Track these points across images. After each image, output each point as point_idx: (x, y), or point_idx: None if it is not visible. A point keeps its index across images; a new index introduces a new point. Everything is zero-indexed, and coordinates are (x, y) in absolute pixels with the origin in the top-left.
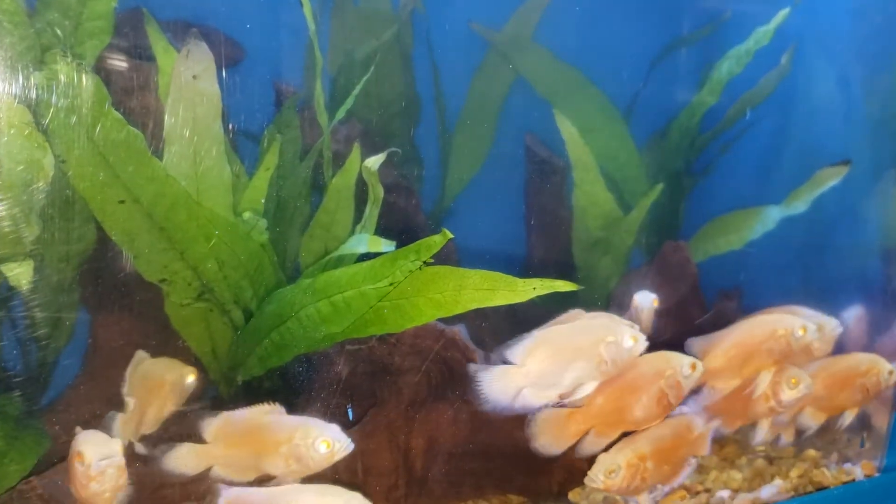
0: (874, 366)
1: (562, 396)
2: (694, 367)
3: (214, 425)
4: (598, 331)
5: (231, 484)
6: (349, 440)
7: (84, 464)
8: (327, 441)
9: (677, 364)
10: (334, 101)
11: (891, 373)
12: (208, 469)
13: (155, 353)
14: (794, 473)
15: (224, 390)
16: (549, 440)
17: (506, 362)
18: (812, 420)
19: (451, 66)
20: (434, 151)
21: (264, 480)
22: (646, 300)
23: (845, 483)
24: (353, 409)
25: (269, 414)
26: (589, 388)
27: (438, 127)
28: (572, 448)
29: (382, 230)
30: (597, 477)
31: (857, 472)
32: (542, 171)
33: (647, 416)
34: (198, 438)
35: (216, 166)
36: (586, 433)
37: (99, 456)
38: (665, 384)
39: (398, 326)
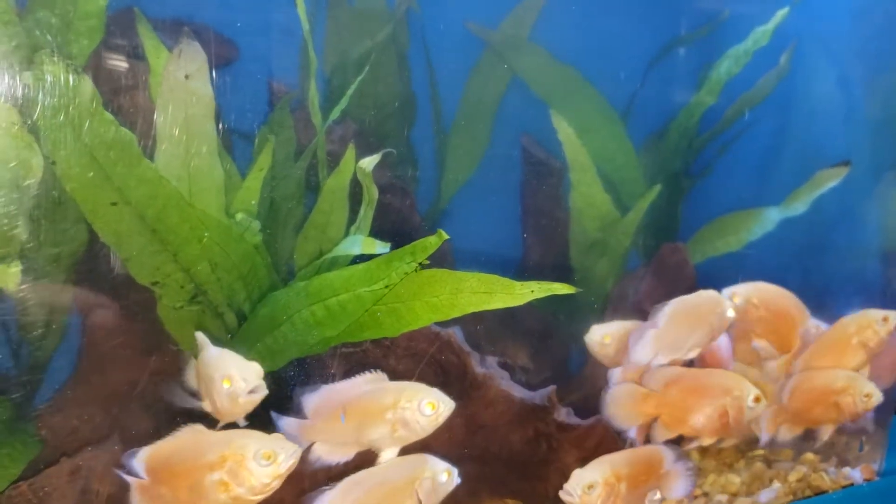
0: (851, 385)
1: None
2: (758, 399)
3: (314, 400)
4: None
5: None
6: (452, 401)
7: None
8: (432, 403)
9: (745, 390)
10: (329, 101)
11: (867, 396)
12: (310, 446)
13: (149, 355)
14: (792, 477)
15: None
16: (619, 413)
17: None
18: (788, 433)
19: (447, 66)
20: (430, 152)
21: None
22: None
23: (844, 487)
24: None
25: (371, 383)
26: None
27: (434, 127)
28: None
29: (377, 231)
30: (574, 491)
31: (856, 476)
32: (538, 173)
33: (706, 426)
34: (298, 415)
35: (208, 167)
36: (654, 419)
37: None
38: (730, 403)
39: (394, 330)
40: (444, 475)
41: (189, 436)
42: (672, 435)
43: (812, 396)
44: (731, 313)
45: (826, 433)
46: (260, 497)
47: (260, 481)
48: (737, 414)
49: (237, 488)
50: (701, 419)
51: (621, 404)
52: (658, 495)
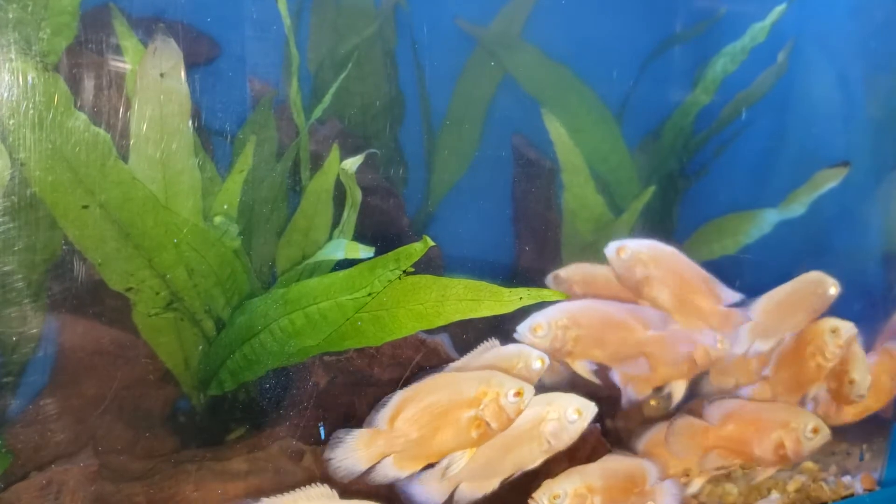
0: (794, 419)
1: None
2: (816, 430)
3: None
4: None
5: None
6: (593, 404)
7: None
8: (577, 408)
9: (802, 421)
10: (314, 99)
11: (815, 430)
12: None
13: (126, 363)
14: (791, 487)
15: (197, 403)
16: (679, 447)
17: None
18: (720, 460)
19: (436, 64)
20: (418, 152)
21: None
22: None
23: (844, 497)
24: (332, 422)
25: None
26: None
27: (423, 127)
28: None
29: (364, 234)
30: (541, 501)
31: (857, 485)
32: (530, 173)
33: (763, 459)
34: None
35: (185, 169)
36: (712, 450)
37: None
38: (787, 435)
39: (377, 339)
40: (538, 362)
41: (443, 379)
42: (727, 465)
43: (752, 428)
44: (833, 291)
45: (762, 475)
46: (500, 433)
47: (508, 417)
48: (794, 446)
49: (490, 423)
50: (757, 452)
51: (681, 438)
52: None
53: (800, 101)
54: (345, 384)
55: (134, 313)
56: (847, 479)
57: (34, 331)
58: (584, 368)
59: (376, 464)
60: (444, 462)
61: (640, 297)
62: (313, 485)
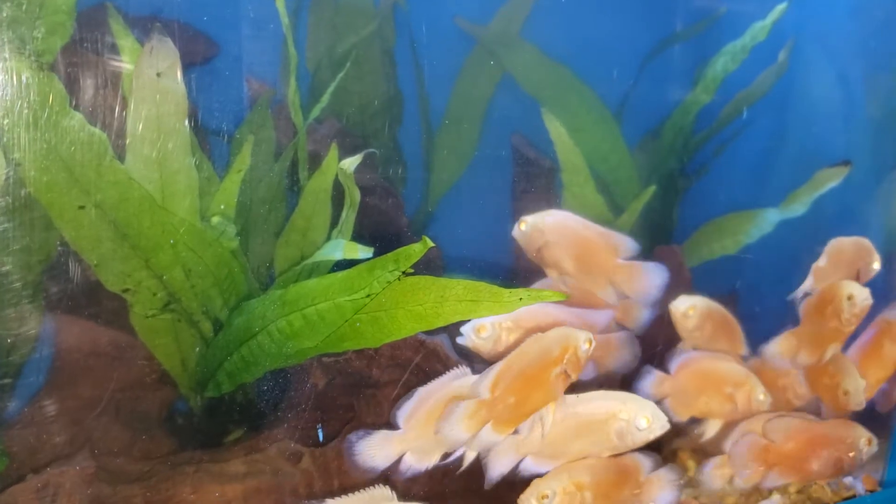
0: (849, 434)
1: None
2: (870, 442)
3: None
4: None
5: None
6: (665, 419)
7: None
8: (647, 417)
9: (857, 436)
10: (312, 98)
11: (868, 442)
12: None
13: (123, 364)
14: (792, 489)
15: (195, 404)
16: (742, 463)
17: None
18: (780, 479)
19: (435, 63)
20: (417, 152)
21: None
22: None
23: (846, 499)
24: (330, 424)
25: (458, 378)
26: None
27: (422, 126)
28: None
29: (363, 234)
30: (528, 502)
31: (859, 487)
32: (529, 173)
33: (822, 473)
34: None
35: (182, 169)
36: (771, 469)
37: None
38: (844, 451)
39: (376, 341)
40: (585, 344)
41: (528, 346)
42: (786, 482)
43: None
44: (877, 266)
45: (713, 429)
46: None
47: (583, 365)
48: (851, 461)
49: (571, 375)
50: (816, 468)
51: (744, 455)
52: None
53: (800, 101)
54: (343, 385)
55: (131, 314)
56: (849, 479)
57: (31, 332)
58: None
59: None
60: (527, 424)
61: (543, 265)
62: (375, 486)
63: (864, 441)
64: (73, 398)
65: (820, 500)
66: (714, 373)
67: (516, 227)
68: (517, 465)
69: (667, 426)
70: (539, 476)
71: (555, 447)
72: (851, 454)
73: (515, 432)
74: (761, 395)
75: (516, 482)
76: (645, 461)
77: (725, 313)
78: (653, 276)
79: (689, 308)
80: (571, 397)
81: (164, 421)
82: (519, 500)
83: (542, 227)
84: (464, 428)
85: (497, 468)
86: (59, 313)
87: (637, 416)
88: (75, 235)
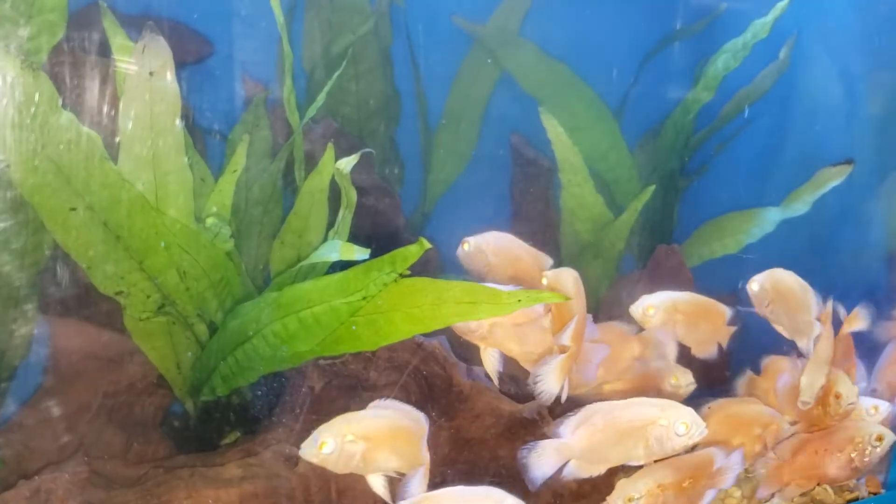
0: (857, 433)
1: None
2: (881, 438)
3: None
4: None
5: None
6: (704, 425)
7: None
8: (686, 423)
9: (866, 434)
10: (309, 98)
11: (879, 438)
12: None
13: (118, 367)
14: (794, 491)
15: (190, 408)
16: (767, 485)
17: None
18: (798, 489)
19: (433, 62)
20: (415, 152)
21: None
22: None
23: (849, 501)
24: None
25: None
26: None
27: (419, 126)
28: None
29: (360, 235)
30: (619, 496)
31: (861, 488)
32: (528, 173)
33: (839, 477)
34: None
35: (176, 169)
36: (788, 485)
37: None
38: (854, 450)
39: (372, 344)
40: (682, 426)
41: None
42: (803, 490)
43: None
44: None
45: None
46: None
47: (672, 447)
48: (863, 457)
49: (656, 445)
50: (832, 472)
51: (762, 480)
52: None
53: (802, 99)
54: (340, 388)
55: (125, 317)
56: (852, 481)
57: (24, 335)
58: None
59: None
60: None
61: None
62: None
63: (874, 437)
64: (67, 402)
65: (822, 502)
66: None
67: (460, 247)
68: (560, 469)
69: (705, 432)
70: (582, 479)
71: (596, 453)
72: (864, 452)
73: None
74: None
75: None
76: (718, 454)
77: (699, 300)
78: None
79: (647, 308)
80: (611, 403)
81: (160, 424)
82: (618, 485)
83: (484, 248)
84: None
85: (539, 471)
86: (53, 315)
87: (676, 422)
88: (67, 238)
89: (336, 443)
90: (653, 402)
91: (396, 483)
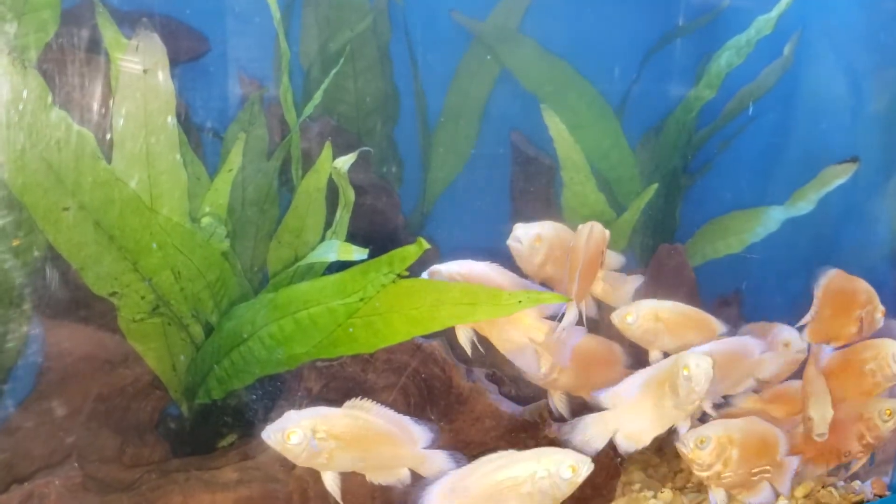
0: (865, 410)
1: None
2: (890, 413)
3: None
4: None
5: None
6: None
7: None
8: (571, 465)
9: (874, 409)
10: (307, 96)
11: (889, 413)
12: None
13: (113, 368)
14: (799, 493)
15: (186, 410)
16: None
17: None
18: (818, 469)
19: (432, 59)
20: (414, 150)
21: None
22: None
23: (854, 503)
24: None
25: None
26: None
27: (419, 124)
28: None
29: (359, 234)
30: (688, 442)
31: (867, 490)
32: (528, 171)
33: (853, 451)
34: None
35: (171, 168)
36: (807, 464)
37: None
38: (864, 425)
39: (370, 346)
40: (568, 470)
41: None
42: (823, 470)
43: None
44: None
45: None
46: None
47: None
48: (874, 432)
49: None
50: (845, 449)
51: None
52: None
53: (806, 96)
54: (338, 390)
55: (119, 318)
56: (857, 483)
57: (18, 336)
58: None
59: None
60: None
61: None
62: None
63: (883, 412)
64: (60, 405)
65: None
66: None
67: (428, 273)
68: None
69: (592, 465)
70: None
71: None
72: (874, 426)
73: None
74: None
75: None
76: (783, 441)
77: (684, 310)
78: None
79: (625, 315)
80: (479, 469)
81: (156, 427)
82: (680, 438)
83: (455, 275)
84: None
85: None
86: (47, 317)
87: (560, 467)
88: (60, 238)
89: (304, 436)
90: (522, 455)
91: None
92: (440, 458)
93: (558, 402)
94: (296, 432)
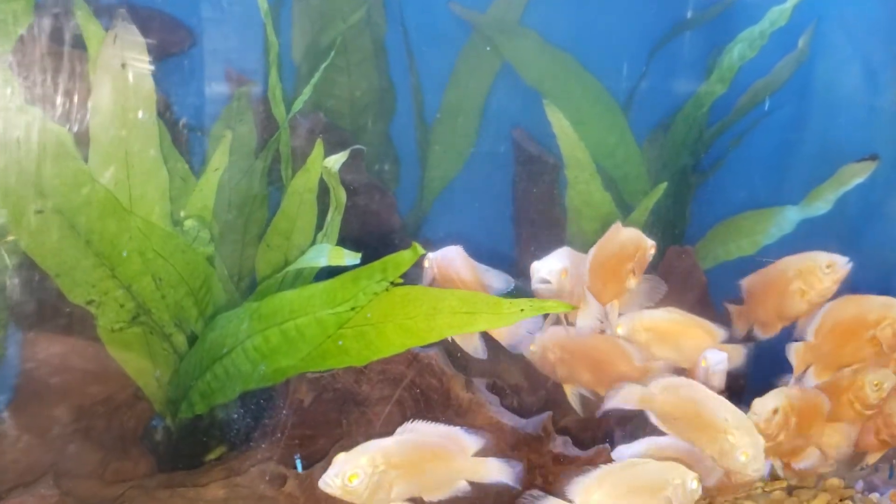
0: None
1: None
2: (878, 385)
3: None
4: None
5: None
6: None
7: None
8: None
9: (863, 380)
10: (298, 91)
11: (877, 385)
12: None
13: (95, 380)
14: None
15: (171, 423)
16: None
17: None
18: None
19: (430, 53)
20: (411, 148)
21: None
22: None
23: None
24: (317, 443)
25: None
26: None
27: (415, 120)
28: None
29: (353, 236)
30: (760, 413)
31: (885, 503)
32: (531, 170)
33: (870, 445)
34: None
35: (151, 168)
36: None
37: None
38: (854, 395)
39: (362, 359)
40: (694, 482)
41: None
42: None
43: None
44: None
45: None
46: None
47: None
48: (864, 401)
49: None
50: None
51: None
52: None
53: (822, 90)
54: (331, 402)
55: (98, 328)
56: (875, 495)
57: None
58: None
59: None
60: None
61: None
62: None
63: (873, 382)
64: (38, 418)
65: None
66: None
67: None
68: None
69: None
70: None
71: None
72: (864, 396)
73: None
74: None
75: None
76: (826, 403)
77: (676, 318)
78: None
79: (616, 328)
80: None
81: (140, 439)
82: (753, 403)
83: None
84: None
85: None
86: (25, 326)
87: (686, 478)
88: (33, 243)
89: (366, 473)
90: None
91: None
92: (494, 465)
93: (571, 398)
94: (357, 474)
